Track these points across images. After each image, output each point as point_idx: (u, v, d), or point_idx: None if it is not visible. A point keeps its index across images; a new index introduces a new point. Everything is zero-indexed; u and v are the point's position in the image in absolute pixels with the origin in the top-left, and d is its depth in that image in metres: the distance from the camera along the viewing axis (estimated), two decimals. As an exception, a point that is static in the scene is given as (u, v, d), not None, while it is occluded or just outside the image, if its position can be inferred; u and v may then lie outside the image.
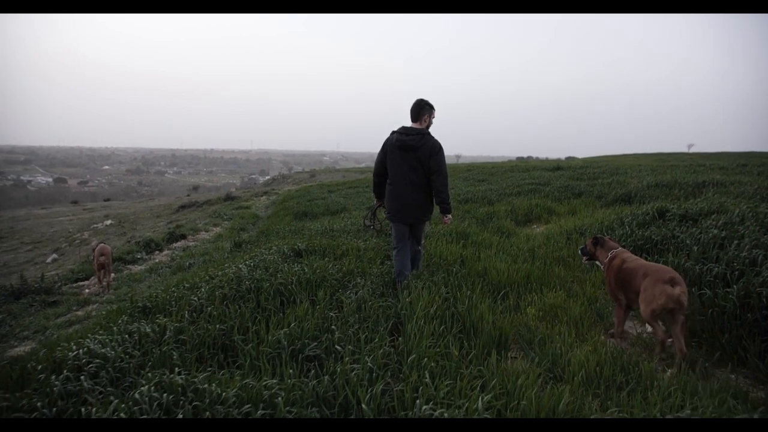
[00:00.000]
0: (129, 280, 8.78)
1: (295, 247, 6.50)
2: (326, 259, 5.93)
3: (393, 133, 5.01)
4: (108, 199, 59.25)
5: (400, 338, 3.56)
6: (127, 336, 3.57)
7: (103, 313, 5.38)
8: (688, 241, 4.97)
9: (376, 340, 3.41)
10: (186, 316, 3.96)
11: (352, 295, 4.37)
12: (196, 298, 4.40)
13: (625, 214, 6.94)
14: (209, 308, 4.13)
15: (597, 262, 4.44)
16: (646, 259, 5.02)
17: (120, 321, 4.05)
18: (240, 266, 5.45)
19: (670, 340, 3.60)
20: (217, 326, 3.68)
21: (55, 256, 20.84)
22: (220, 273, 5.35)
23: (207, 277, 5.32)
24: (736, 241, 4.60)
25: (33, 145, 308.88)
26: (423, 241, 5.44)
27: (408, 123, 5.04)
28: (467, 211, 10.42)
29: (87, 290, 8.45)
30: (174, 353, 3.33)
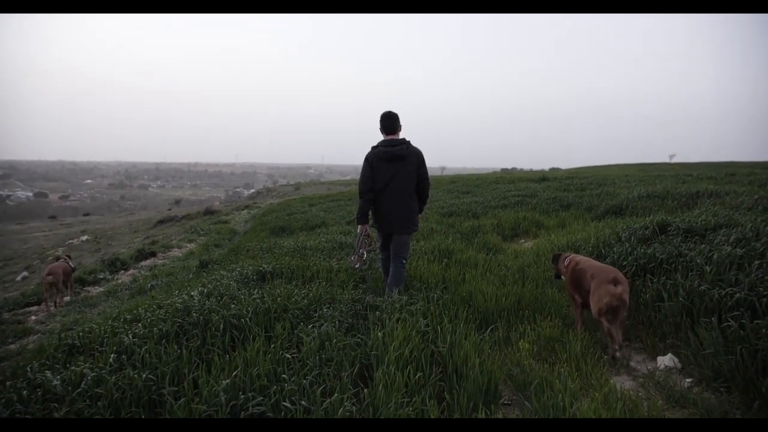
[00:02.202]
0: (83, 304, 8.01)
1: (260, 269, 5.83)
2: (293, 283, 5.27)
3: (374, 147, 4.92)
4: (87, 214, 57.86)
5: (366, 389, 2.91)
6: (26, 392, 2.88)
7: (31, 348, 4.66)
8: (698, 260, 4.39)
9: (336, 393, 2.76)
10: (111, 360, 3.26)
11: (315, 330, 3.71)
12: (130, 336, 3.70)
13: (621, 228, 6.36)
14: (143, 348, 3.45)
15: (563, 277, 4.58)
16: (651, 281, 4.47)
17: (30, 367, 3.33)
18: (192, 293, 4.78)
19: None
20: (144, 375, 3.00)
21: (25, 273, 19.87)
22: (167, 302, 4.66)
23: (153, 307, 4.63)
24: (757, 261, 4.02)
25: (12, 159, 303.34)
26: (407, 258, 5.12)
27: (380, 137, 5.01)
28: (451, 225, 9.83)
29: (33, 317, 7.66)
30: (81, 415, 2.64)
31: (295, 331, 3.79)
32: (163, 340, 3.64)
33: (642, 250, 5.07)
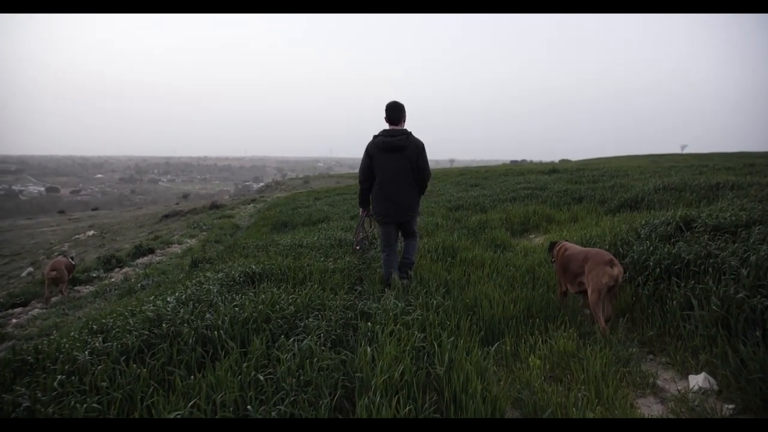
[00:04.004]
0: (68, 306, 7.62)
1: (248, 270, 5.39)
2: (282, 286, 4.83)
3: (375, 137, 4.98)
4: (96, 209, 57.92)
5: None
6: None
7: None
8: (732, 262, 3.87)
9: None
10: (56, 384, 2.83)
11: (296, 345, 3.25)
12: (86, 352, 3.27)
13: (639, 224, 5.84)
14: (98, 368, 3.02)
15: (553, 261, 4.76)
16: (677, 285, 3.98)
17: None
18: (169, 299, 4.35)
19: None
20: (86, 405, 2.56)
21: (30, 269, 19.68)
22: (141, 308, 4.23)
23: (125, 315, 4.21)
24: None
25: (25, 155, 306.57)
26: (417, 232, 5.40)
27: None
28: (457, 220, 9.36)
29: (14, 320, 7.28)
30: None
31: (276, 345, 3.36)
32: (124, 357, 3.21)
33: (666, 250, 4.56)
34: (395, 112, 4.94)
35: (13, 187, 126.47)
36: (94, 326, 3.99)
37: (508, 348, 3.54)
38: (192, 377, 2.92)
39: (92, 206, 69.52)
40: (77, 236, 26.73)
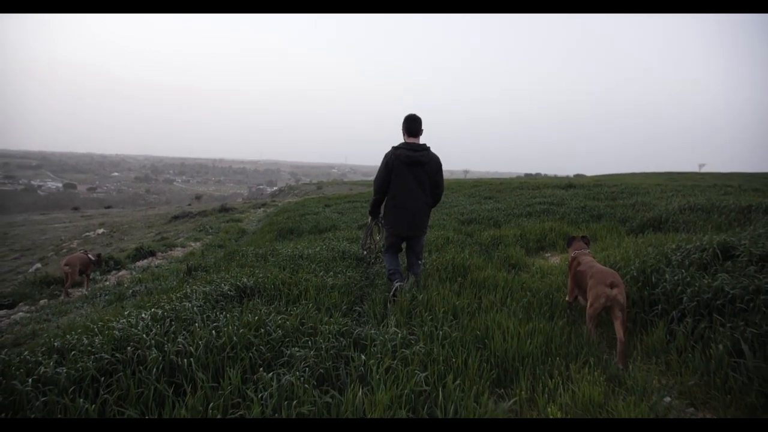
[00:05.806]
0: (52, 311, 7.19)
1: (239, 284, 4.94)
2: (274, 304, 4.37)
3: (397, 149, 4.93)
4: (109, 207, 58.14)
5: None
6: None
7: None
8: (790, 303, 3.33)
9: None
10: (-18, 422, 2.38)
11: (275, 381, 2.77)
12: (31, 380, 2.81)
13: (670, 248, 5.29)
14: (37, 402, 2.57)
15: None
16: (721, 325, 3.44)
17: None
18: (143, 315, 3.90)
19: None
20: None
21: (38, 265, 19.46)
22: (107, 328, 3.77)
23: (94, 330, 3.77)
24: None
25: (45, 151, 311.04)
26: (422, 256, 5.47)
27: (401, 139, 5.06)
28: (469, 235, 8.83)
29: (-7, 324, 6.89)
30: None
31: (256, 375, 2.90)
32: (74, 387, 2.75)
33: (706, 282, 4.01)
34: (415, 124, 4.96)
35: (32, 182, 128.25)
36: (56, 343, 3.54)
37: (522, 393, 3.02)
38: (147, 418, 2.46)
39: (107, 204, 69.84)
40: (87, 234, 26.59)
